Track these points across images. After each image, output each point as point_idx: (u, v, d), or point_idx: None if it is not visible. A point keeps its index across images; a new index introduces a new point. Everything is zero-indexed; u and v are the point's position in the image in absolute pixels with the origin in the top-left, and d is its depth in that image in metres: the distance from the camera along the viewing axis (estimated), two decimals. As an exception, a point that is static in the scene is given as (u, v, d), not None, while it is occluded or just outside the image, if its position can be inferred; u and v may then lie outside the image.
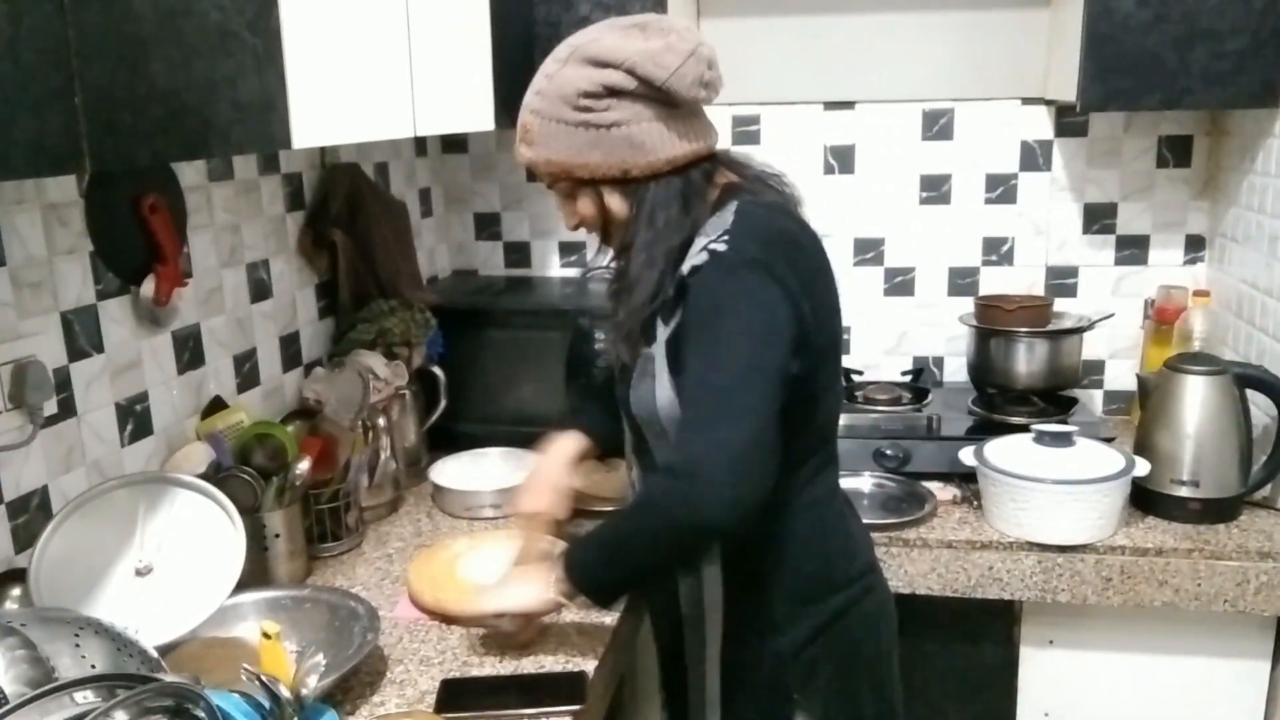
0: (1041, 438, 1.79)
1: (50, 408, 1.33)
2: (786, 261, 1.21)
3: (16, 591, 1.23)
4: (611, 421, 1.52)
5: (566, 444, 1.56)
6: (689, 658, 1.38)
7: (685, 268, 1.22)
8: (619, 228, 1.29)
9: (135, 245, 1.48)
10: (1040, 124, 2.22)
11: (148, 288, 1.49)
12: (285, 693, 1.06)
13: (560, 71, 1.23)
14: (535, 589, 1.31)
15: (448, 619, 1.46)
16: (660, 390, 1.25)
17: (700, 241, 1.22)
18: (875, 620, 1.39)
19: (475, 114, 1.74)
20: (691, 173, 1.27)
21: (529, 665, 1.36)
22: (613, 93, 1.21)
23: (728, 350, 1.17)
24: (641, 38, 1.21)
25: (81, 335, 1.40)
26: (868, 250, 2.33)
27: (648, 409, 1.27)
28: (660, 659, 1.52)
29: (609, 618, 1.48)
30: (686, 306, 1.21)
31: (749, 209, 1.24)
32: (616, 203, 1.27)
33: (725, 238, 1.20)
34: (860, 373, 2.30)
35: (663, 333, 1.25)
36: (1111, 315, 2.18)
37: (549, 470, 1.54)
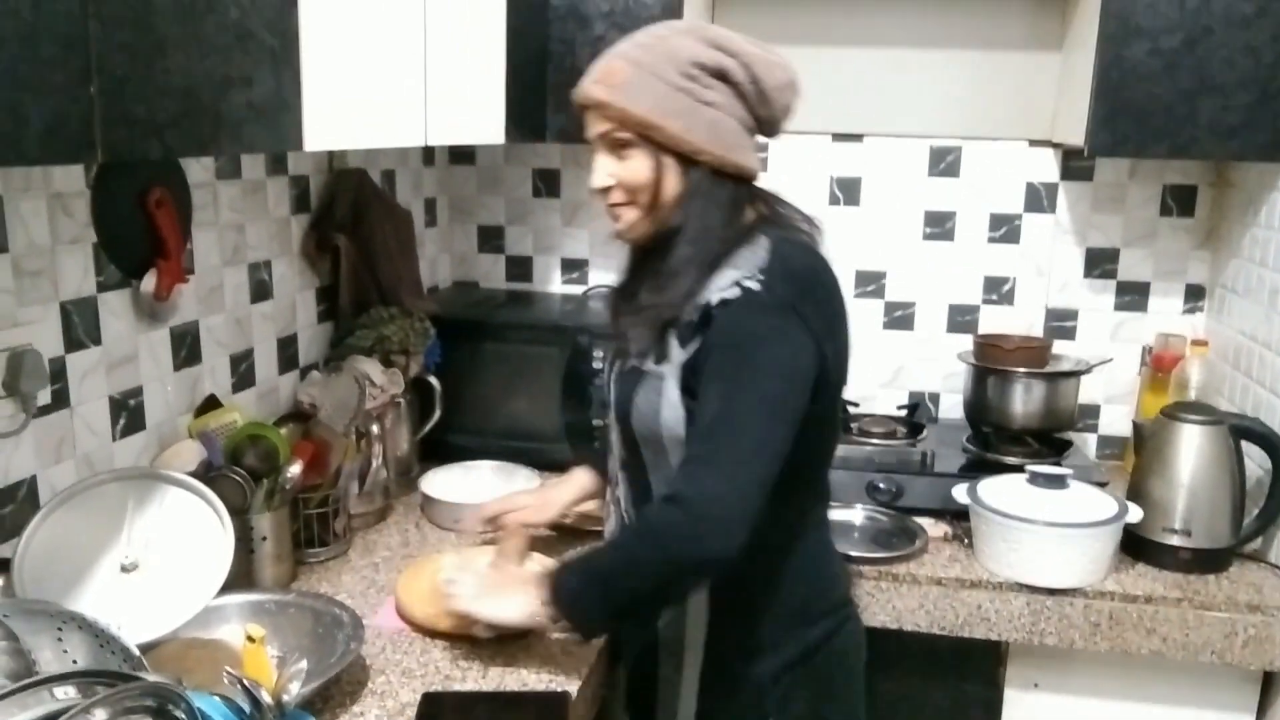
0: (1035, 479, 1.78)
1: (44, 398, 1.33)
2: (813, 304, 1.22)
3: (0, 582, 1.21)
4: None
5: (586, 479, 1.59)
6: (662, 680, 1.37)
7: (714, 298, 1.21)
8: (662, 206, 1.27)
9: (139, 239, 1.47)
10: (1046, 166, 2.23)
11: (148, 282, 1.48)
12: (267, 698, 1.04)
13: (674, 38, 1.24)
14: (520, 605, 1.30)
15: (433, 633, 1.45)
16: (667, 409, 1.24)
17: (731, 274, 1.22)
18: (851, 649, 1.40)
19: (486, 127, 1.74)
20: (740, 186, 1.28)
21: (511, 682, 1.35)
22: (721, 77, 1.22)
23: (752, 391, 1.18)
24: (758, 46, 1.24)
25: (79, 326, 1.39)
26: (869, 283, 2.33)
27: (649, 425, 1.27)
28: (628, 681, 1.51)
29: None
30: (710, 337, 1.21)
31: (783, 247, 1.25)
32: (672, 179, 1.25)
33: (759, 276, 1.20)
34: (856, 405, 2.30)
35: (678, 355, 1.24)
36: (1109, 360, 2.18)
37: (563, 497, 1.60)
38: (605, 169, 1.28)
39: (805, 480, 1.31)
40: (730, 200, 1.26)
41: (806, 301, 1.21)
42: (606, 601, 1.26)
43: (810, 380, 1.20)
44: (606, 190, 1.29)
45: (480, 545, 1.71)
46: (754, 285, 1.20)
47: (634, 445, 1.32)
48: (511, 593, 1.33)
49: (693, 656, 1.33)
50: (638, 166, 1.25)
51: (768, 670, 1.31)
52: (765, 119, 1.27)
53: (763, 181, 1.33)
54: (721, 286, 1.22)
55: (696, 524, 1.16)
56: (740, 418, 1.17)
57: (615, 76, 1.23)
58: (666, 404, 1.25)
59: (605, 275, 2.44)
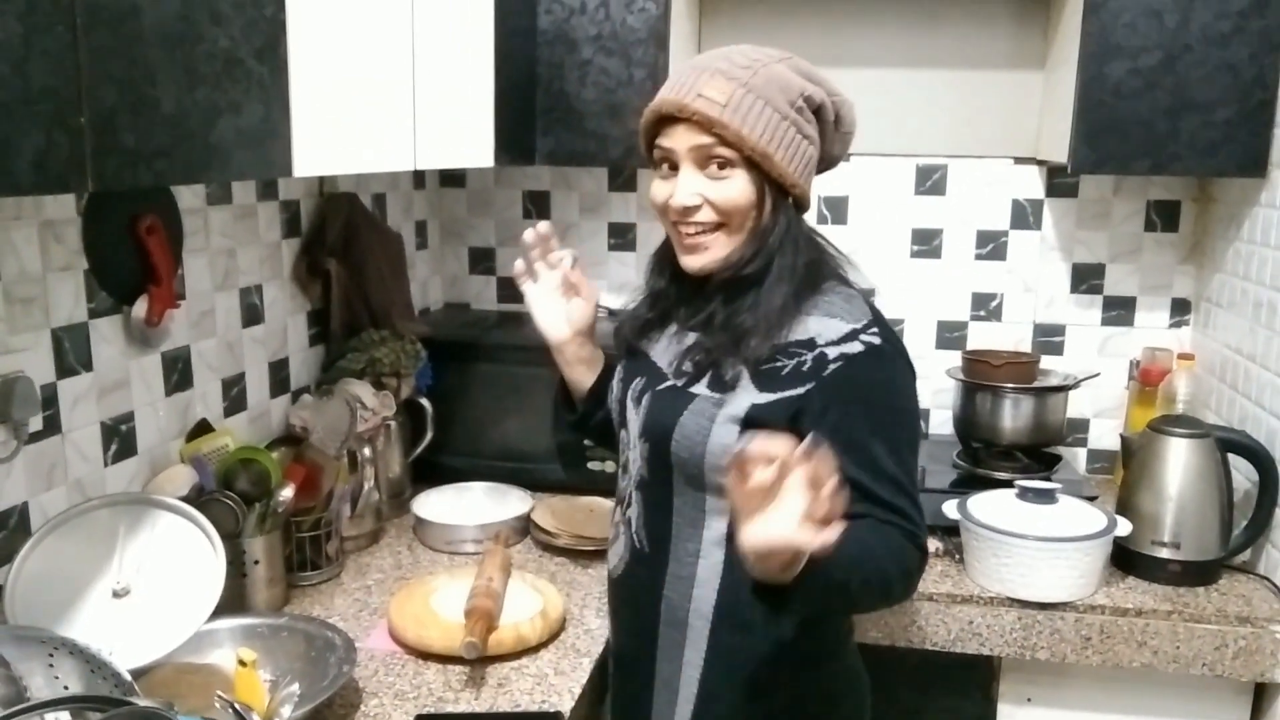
0: (1025, 494, 1.79)
1: (35, 424, 1.33)
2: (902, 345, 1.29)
3: (-10, 609, 1.22)
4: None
5: (596, 350, 1.52)
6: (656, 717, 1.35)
7: (831, 351, 1.20)
8: (753, 233, 1.24)
9: (130, 265, 1.48)
10: (1031, 183, 2.25)
11: (140, 308, 1.49)
12: (258, 722, 1.05)
13: (774, 66, 1.22)
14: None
15: (426, 655, 1.45)
16: (717, 437, 1.22)
17: (837, 324, 1.21)
18: (849, 694, 1.37)
19: (475, 150, 1.75)
20: (804, 221, 1.29)
21: (504, 703, 1.35)
22: (817, 112, 1.24)
23: (908, 440, 1.25)
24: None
25: (71, 353, 1.39)
26: (858, 300, 2.34)
27: (693, 449, 1.23)
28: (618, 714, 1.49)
29: (587, 657, 1.47)
30: (835, 388, 1.20)
31: (865, 297, 1.28)
32: (768, 207, 1.24)
33: (874, 330, 1.23)
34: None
35: (753, 391, 1.22)
36: (1097, 375, 2.20)
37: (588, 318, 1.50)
38: (693, 186, 1.23)
39: None
40: (810, 237, 1.28)
41: (901, 344, 1.28)
42: (840, 601, 1.24)
43: None
44: (689, 210, 1.23)
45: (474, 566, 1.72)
46: (875, 340, 1.22)
47: (662, 466, 1.29)
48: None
49: (686, 693, 1.31)
50: (737, 189, 1.22)
51: (760, 713, 1.29)
52: (832, 158, 1.30)
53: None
54: (832, 339, 1.21)
55: (921, 562, 1.24)
56: (910, 466, 1.24)
57: (724, 95, 1.18)
58: (718, 432, 1.22)
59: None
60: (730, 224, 1.24)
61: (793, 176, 1.22)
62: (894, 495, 1.20)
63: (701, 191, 1.22)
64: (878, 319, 1.25)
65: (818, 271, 1.27)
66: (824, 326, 1.22)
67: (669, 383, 1.30)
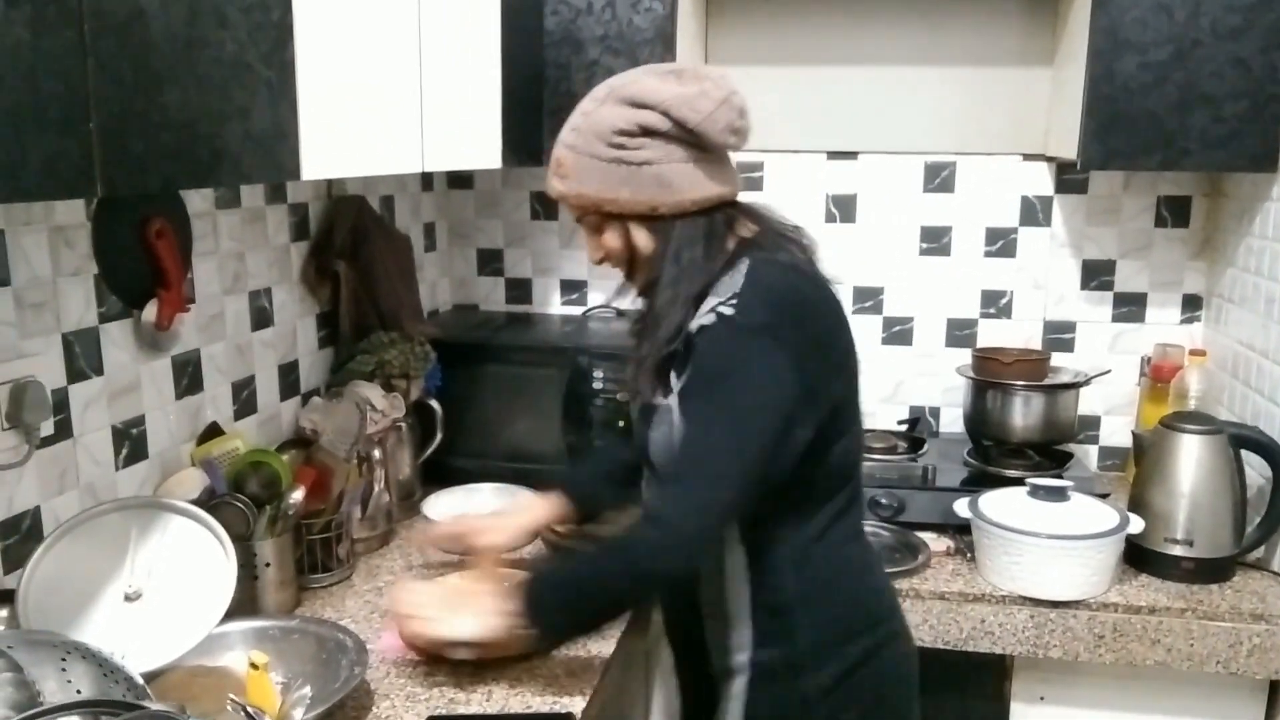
0: (1036, 491, 1.79)
1: (47, 429, 1.33)
2: (794, 323, 1.24)
3: (4, 613, 1.22)
4: (599, 487, 1.58)
5: (550, 505, 1.61)
6: (718, 698, 1.37)
7: (693, 326, 1.24)
8: (644, 263, 1.31)
9: (140, 269, 1.48)
10: (1041, 180, 2.24)
11: (150, 312, 1.49)
12: (270, 725, 1.05)
13: (597, 110, 1.26)
14: (482, 618, 1.31)
15: (437, 657, 1.45)
16: (677, 439, 1.26)
17: (710, 301, 1.24)
18: (900, 668, 1.40)
19: (483, 152, 1.75)
20: (715, 215, 1.29)
21: (516, 704, 1.35)
22: (647, 132, 1.24)
23: (721, 414, 1.21)
24: (677, 83, 1.25)
25: (82, 357, 1.40)
26: (867, 299, 2.34)
27: (664, 456, 1.29)
28: (684, 699, 1.52)
29: (599, 658, 1.47)
30: (692, 364, 1.24)
31: (760, 268, 1.25)
32: (643, 238, 1.29)
33: (734, 301, 1.22)
34: (856, 420, 2.30)
35: (677, 385, 1.27)
36: (1108, 371, 2.19)
37: (522, 523, 1.60)
38: (592, 245, 1.35)
39: (825, 492, 1.33)
40: (706, 233, 1.28)
41: (783, 322, 1.23)
42: (575, 613, 1.29)
43: (789, 400, 1.22)
44: (601, 262, 1.36)
45: (453, 568, 1.71)
46: (728, 310, 1.22)
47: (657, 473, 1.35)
48: (472, 607, 1.33)
49: (741, 675, 1.34)
50: (611, 238, 1.32)
51: (813, 687, 1.31)
52: (711, 145, 1.26)
53: (758, 197, 1.35)
54: (701, 314, 1.25)
55: (658, 540, 1.21)
56: (708, 440, 1.21)
57: (563, 167, 1.29)
58: (677, 434, 1.26)
59: (604, 296, 2.45)
60: (634, 263, 1.33)
61: (645, 203, 1.26)
62: (672, 464, 1.24)
63: (600, 246, 1.34)
64: (749, 290, 1.23)
65: (733, 257, 1.28)
66: (704, 307, 1.25)
67: (644, 399, 1.36)
